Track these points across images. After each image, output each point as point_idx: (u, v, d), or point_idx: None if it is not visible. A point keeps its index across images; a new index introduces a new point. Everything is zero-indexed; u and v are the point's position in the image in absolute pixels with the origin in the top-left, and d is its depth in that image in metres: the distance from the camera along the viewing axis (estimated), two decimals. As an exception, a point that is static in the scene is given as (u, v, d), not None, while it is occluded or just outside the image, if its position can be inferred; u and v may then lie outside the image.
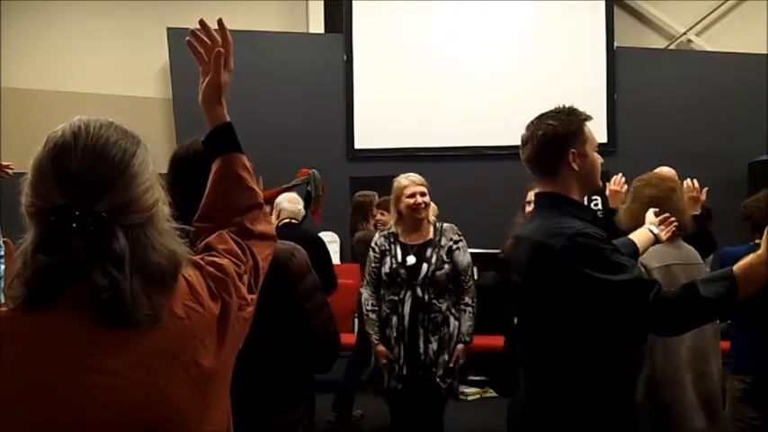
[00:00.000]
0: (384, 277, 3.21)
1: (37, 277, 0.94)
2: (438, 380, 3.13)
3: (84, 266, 0.94)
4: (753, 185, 5.01)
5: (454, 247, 3.21)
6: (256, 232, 1.26)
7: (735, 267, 1.58)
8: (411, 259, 3.14)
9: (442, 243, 3.20)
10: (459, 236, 3.24)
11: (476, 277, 3.35)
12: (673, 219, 2.31)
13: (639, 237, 2.21)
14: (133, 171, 1.00)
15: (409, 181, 3.23)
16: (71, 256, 0.93)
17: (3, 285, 0.98)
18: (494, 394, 5.05)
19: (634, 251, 2.13)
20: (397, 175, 3.31)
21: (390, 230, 3.30)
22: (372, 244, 3.33)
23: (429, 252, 3.16)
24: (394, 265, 3.18)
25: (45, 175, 0.96)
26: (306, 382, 2.22)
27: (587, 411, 1.77)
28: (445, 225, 3.27)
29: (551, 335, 1.81)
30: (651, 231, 2.23)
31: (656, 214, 2.38)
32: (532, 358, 1.89)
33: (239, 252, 1.19)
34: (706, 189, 3.38)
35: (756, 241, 2.22)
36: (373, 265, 3.28)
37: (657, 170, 3.99)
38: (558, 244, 1.71)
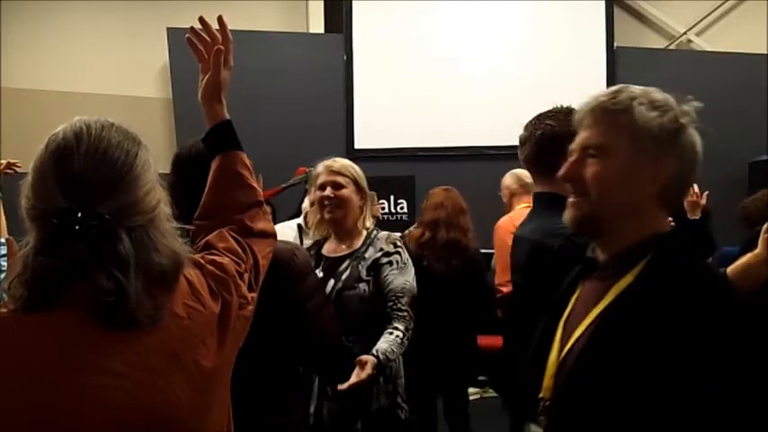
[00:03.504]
0: None
1: (37, 278, 0.94)
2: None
3: (87, 269, 0.94)
4: (753, 185, 5.00)
5: (383, 260, 2.23)
6: (256, 230, 1.27)
7: (730, 268, 1.59)
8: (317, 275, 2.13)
9: (366, 255, 2.25)
10: (397, 247, 2.27)
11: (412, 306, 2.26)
12: (671, 219, 2.34)
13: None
14: (136, 173, 1.00)
15: (324, 167, 2.34)
16: (74, 259, 0.93)
17: (5, 285, 0.98)
18: (494, 394, 5.05)
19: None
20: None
21: (318, 237, 2.45)
22: None
23: (344, 266, 2.25)
24: None
25: (47, 177, 0.96)
26: (307, 383, 2.20)
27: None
28: (381, 233, 2.35)
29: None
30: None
31: None
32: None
33: (239, 250, 1.19)
34: (706, 193, 3.38)
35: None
36: None
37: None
38: (557, 244, 1.71)
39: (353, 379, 1.86)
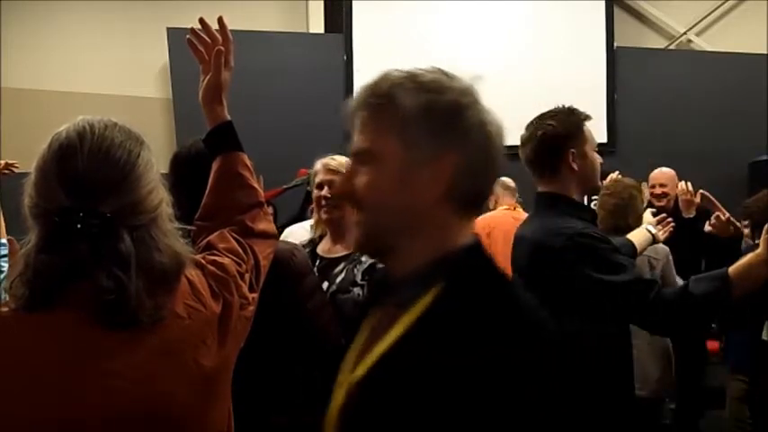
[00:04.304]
0: None
1: (39, 277, 0.94)
2: None
3: (88, 267, 0.94)
4: (753, 185, 5.00)
5: (380, 265, 2.24)
6: (257, 231, 1.27)
7: (731, 267, 1.59)
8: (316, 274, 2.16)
9: (363, 258, 2.17)
10: None
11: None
12: (670, 219, 2.35)
13: (637, 236, 2.22)
14: (138, 172, 1.00)
15: (321, 166, 2.30)
16: (75, 258, 0.93)
17: (7, 284, 0.99)
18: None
19: (632, 251, 2.14)
20: None
21: (311, 238, 2.42)
22: None
23: (339, 269, 2.20)
24: None
25: (50, 176, 0.96)
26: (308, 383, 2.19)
27: (586, 405, 1.78)
28: None
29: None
30: (649, 231, 2.24)
31: (623, 220, 2.51)
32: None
33: (240, 251, 1.19)
34: (701, 192, 3.38)
35: (756, 241, 2.23)
36: None
37: (657, 170, 4.02)
38: (559, 244, 1.71)
39: None
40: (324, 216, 2.27)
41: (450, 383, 0.76)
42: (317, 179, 2.28)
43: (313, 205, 2.35)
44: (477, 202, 0.94)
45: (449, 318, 0.82)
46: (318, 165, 2.31)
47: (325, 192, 2.24)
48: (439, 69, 0.94)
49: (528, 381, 0.77)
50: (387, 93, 0.90)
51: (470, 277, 0.87)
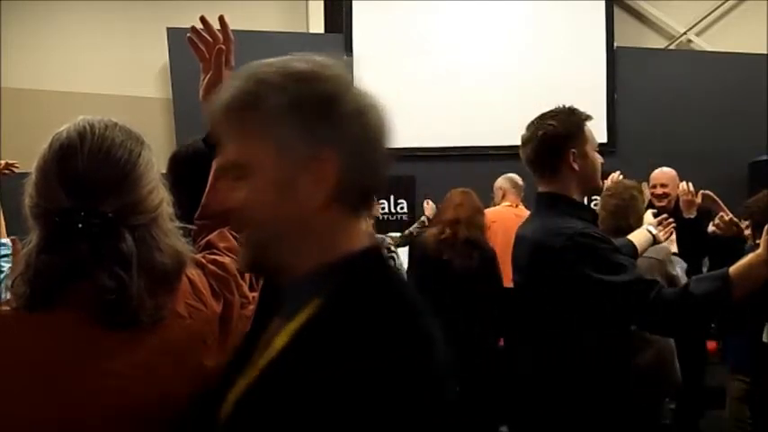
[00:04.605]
0: None
1: (39, 277, 0.94)
2: None
3: (88, 267, 0.94)
4: (753, 185, 5.00)
5: None
6: None
7: (732, 267, 1.59)
8: None
9: None
10: (391, 252, 2.03)
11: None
12: (671, 220, 2.35)
13: (638, 237, 2.22)
14: (139, 172, 1.00)
15: None
16: (76, 257, 0.93)
17: (8, 283, 0.99)
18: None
19: (633, 251, 2.13)
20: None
21: None
22: None
23: None
24: None
25: (50, 176, 0.96)
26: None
27: (587, 405, 1.78)
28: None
29: (552, 333, 1.81)
30: (650, 232, 2.24)
31: (624, 221, 2.54)
32: (533, 356, 1.89)
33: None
34: (703, 192, 3.38)
35: (756, 241, 2.23)
36: None
37: (658, 170, 4.02)
38: (559, 244, 1.71)
39: None
40: None
41: (319, 399, 0.70)
42: None
43: None
44: (368, 199, 0.84)
45: (327, 329, 0.75)
46: None
47: None
48: (312, 58, 0.84)
49: (399, 393, 0.70)
50: (249, 92, 0.80)
51: (355, 286, 0.79)
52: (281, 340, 0.79)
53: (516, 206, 4.35)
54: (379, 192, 0.85)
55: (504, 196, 4.40)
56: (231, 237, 1.21)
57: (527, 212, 3.99)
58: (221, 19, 1.32)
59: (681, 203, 3.61)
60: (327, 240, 0.81)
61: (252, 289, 1.17)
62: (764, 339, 2.70)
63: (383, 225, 5.56)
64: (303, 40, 6.79)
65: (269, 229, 0.80)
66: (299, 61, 0.83)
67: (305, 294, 0.79)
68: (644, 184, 3.64)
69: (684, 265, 3.11)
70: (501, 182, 4.46)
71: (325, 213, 0.79)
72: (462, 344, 3.39)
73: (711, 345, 4.15)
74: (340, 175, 0.78)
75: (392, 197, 6.32)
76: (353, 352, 0.71)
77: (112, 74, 6.30)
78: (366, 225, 1.17)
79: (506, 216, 3.92)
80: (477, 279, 3.42)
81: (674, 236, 2.62)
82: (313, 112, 0.78)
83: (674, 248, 2.69)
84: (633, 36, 7.01)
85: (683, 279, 2.96)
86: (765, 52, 6.25)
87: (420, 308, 0.80)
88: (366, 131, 0.81)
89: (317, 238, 0.81)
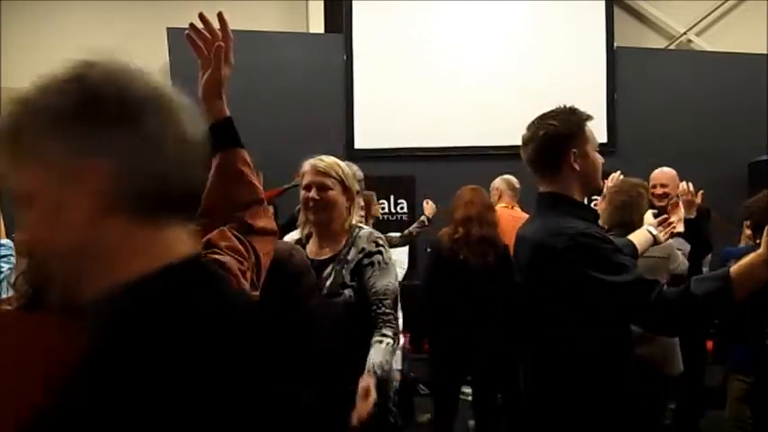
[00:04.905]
0: None
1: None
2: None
3: None
4: (753, 186, 5.01)
5: (365, 262, 2.17)
6: (257, 228, 1.26)
7: (733, 267, 1.58)
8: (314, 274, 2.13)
9: (350, 257, 2.19)
10: (379, 246, 2.21)
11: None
12: (672, 220, 2.35)
13: (638, 237, 2.22)
14: None
15: (310, 166, 2.26)
16: None
17: (11, 280, 0.98)
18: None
19: (633, 252, 2.13)
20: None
21: (298, 238, 2.35)
22: None
23: (327, 271, 2.19)
24: None
25: None
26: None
27: (588, 405, 1.78)
28: (363, 231, 2.26)
29: (553, 333, 1.81)
30: (650, 232, 2.24)
31: (629, 216, 2.55)
32: (534, 356, 1.89)
33: (241, 248, 1.19)
34: (701, 192, 3.38)
35: (757, 241, 2.23)
36: None
37: (658, 170, 4.02)
38: (560, 244, 1.71)
39: (362, 411, 1.85)
40: (311, 218, 2.24)
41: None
42: (305, 180, 2.25)
43: (300, 206, 2.35)
44: (164, 202, 0.75)
45: (90, 362, 0.71)
46: (306, 166, 2.27)
47: (312, 193, 2.21)
48: (83, 60, 0.79)
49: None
50: (12, 115, 0.76)
51: (125, 316, 0.71)
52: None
53: (512, 207, 4.40)
54: (175, 193, 0.76)
55: (500, 197, 4.45)
56: (232, 235, 1.21)
57: (522, 214, 4.04)
58: (220, 16, 1.31)
59: (681, 203, 3.61)
60: (115, 257, 0.73)
61: (253, 288, 1.17)
62: None
63: (383, 225, 5.57)
64: (303, 40, 6.79)
65: (56, 258, 0.74)
66: (67, 68, 0.78)
67: (91, 319, 0.74)
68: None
69: (688, 246, 3.14)
70: (497, 183, 4.53)
71: (106, 229, 0.72)
72: (483, 343, 3.42)
73: (710, 344, 4.15)
74: (114, 185, 0.71)
75: (392, 197, 6.31)
76: (112, 379, 0.68)
77: (112, 74, 6.30)
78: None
79: (502, 217, 3.94)
80: (493, 277, 3.43)
81: (682, 212, 2.65)
82: (73, 123, 0.72)
83: (681, 227, 2.66)
84: (633, 36, 7.02)
85: (686, 264, 3.00)
86: (765, 52, 6.25)
87: (214, 330, 0.72)
88: (139, 131, 0.73)
89: (103, 257, 0.73)
